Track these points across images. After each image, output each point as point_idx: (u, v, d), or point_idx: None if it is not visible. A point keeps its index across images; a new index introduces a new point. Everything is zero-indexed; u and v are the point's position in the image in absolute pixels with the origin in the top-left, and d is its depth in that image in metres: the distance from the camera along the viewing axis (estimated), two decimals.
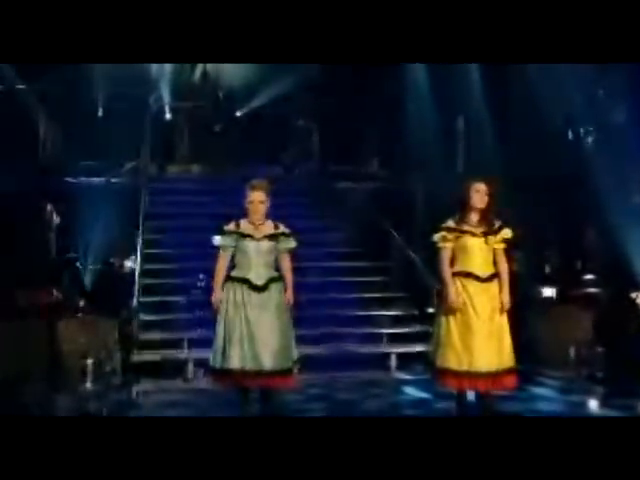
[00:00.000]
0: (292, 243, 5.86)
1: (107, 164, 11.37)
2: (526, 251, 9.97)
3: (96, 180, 11.06)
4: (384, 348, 8.62)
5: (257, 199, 5.74)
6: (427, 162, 11.54)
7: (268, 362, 5.59)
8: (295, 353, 5.83)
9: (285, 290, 5.82)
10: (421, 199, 11.28)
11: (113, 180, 11.18)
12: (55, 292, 9.47)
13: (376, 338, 8.79)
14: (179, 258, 9.58)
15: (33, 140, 11.62)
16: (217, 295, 5.73)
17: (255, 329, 5.59)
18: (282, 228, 5.85)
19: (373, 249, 10.20)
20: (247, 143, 12.68)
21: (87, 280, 10.07)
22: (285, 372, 5.68)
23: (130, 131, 11.08)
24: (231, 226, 5.80)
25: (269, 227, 5.81)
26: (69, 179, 11.09)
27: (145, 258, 9.54)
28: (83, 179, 11.05)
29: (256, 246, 5.72)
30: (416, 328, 8.82)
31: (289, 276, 5.86)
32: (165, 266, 9.63)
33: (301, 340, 8.07)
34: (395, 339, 8.76)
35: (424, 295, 8.97)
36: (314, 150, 13.04)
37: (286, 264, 5.87)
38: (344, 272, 9.80)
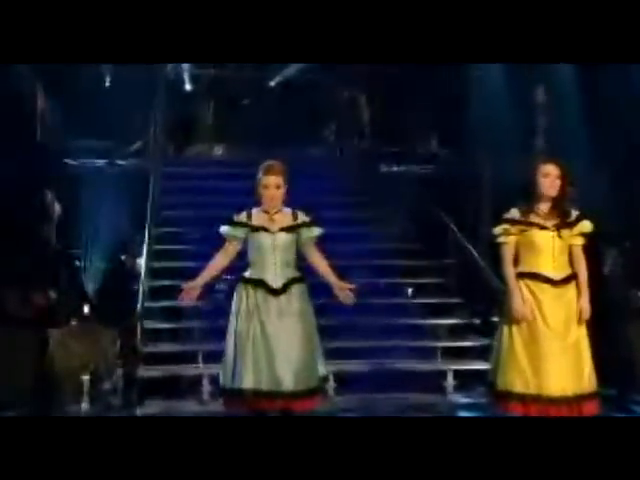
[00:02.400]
0: (316, 230, 5.80)
1: (112, 143, 11.46)
2: (613, 247, 9.72)
3: (99, 162, 11.17)
4: (438, 365, 8.62)
5: (273, 183, 5.70)
6: (497, 140, 11.30)
7: (289, 382, 5.51)
8: (323, 369, 5.76)
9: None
10: (489, 186, 11.09)
11: (119, 162, 11.27)
12: (49, 294, 9.48)
13: (428, 352, 8.80)
14: (195, 256, 9.44)
15: (26, 114, 11.64)
16: (190, 286, 5.70)
17: (273, 342, 5.55)
18: (302, 217, 5.81)
19: (428, 245, 10.21)
20: (280, 119, 12.62)
21: (87, 280, 10.08)
22: (310, 393, 5.60)
23: (141, 104, 11.03)
24: (242, 216, 5.77)
25: (286, 217, 5.77)
26: (68, 161, 11.18)
27: (154, 255, 9.58)
28: (84, 161, 11.16)
29: (272, 241, 5.68)
30: (478, 341, 8.76)
31: (325, 268, 5.76)
32: (178, 265, 9.62)
33: (336, 354, 8.07)
34: (452, 354, 8.75)
35: (488, 301, 8.85)
36: (361, 126, 12.99)
37: (316, 255, 5.79)
38: (391, 272, 9.80)
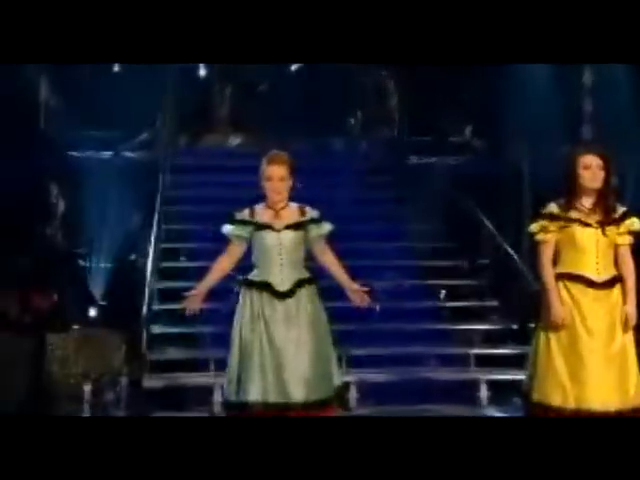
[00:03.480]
0: (326, 227, 5.76)
1: (118, 133, 11.51)
2: None
3: (105, 154, 11.26)
4: (471, 374, 8.57)
5: (276, 175, 5.65)
6: (538, 129, 11.29)
7: (299, 393, 5.49)
8: (338, 379, 5.75)
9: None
10: (528, 179, 11.15)
11: (126, 154, 11.35)
12: (51, 296, 9.52)
13: (461, 361, 8.75)
14: (209, 255, 9.45)
15: (27, 102, 11.68)
16: (192, 294, 5.75)
17: (281, 350, 5.53)
18: (310, 212, 5.77)
19: (461, 244, 10.21)
20: (302, 106, 12.59)
21: (92, 281, 10.12)
22: (323, 404, 5.58)
23: (149, 90, 11.03)
24: (245, 213, 5.75)
25: (293, 213, 5.74)
26: (72, 153, 11.25)
27: (163, 255, 9.61)
28: (89, 153, 11.22)
29: (277, 239, 5.65)
30: (515, 349, 8.65)
31: (336, 268, 5.74)
32: (188, 264, 9.65)
33: (358, 362, 7.99)
34: (486, 362, 8.67)
35: (526, 305, 8.79)
36: (388, 114, 12.98)
37: (326, 255, 5.75)
38: (421, 273, 9.78)
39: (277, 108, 12.64)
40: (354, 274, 9.05)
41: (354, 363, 8.06)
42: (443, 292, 9.78)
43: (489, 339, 9.13)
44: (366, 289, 5.71)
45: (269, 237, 5.65)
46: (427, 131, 12.44)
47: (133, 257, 10.52)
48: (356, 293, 5.71)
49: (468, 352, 8.80)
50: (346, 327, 7.78)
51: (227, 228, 5.75)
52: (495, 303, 9.49)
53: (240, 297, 5.72)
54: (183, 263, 9.92)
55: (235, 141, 12.84)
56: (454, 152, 12.12)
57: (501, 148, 12.02)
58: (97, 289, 10.06)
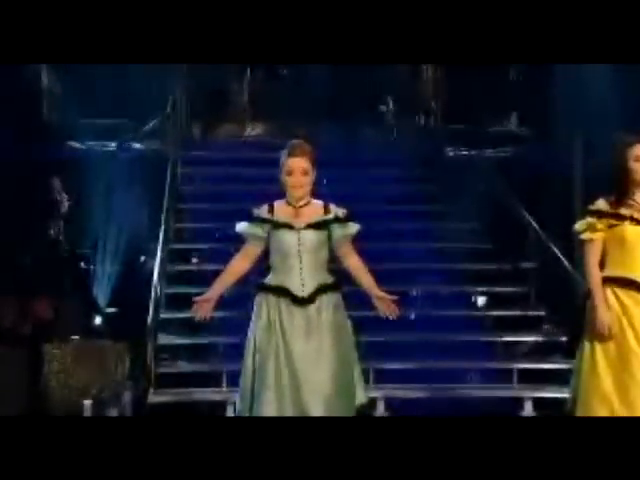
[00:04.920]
0: (352, 227, 5.73)
1: (123, 122, 11.55)
2: None
3: (107, 145, 11.28)
4: (514, 391, 8.57)
5: (299, 167, 5.64)
6: (591, 118, 11.19)
7: (318, 411, 5.48)
8: (362, 396, 5.74)
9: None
10: (580, 174, 11.02)
11: (132, 145, 11.37)
12: (51, 302, 9.57)
13: (502, 376, 8.74)
14: (222, 256, 9.47)
15: (26, 89, 11.77)
16: (203, 299, 5.75)
17: (299, 363, 5.52)
18: (335, 210, 5.74)
19: (503, 245, 10.14)
20: (328, 92, 12.64)
21: (96, 287, 10.18)
22: None
23: (158, 73, 11.07)
24: (263, 210, 5.74)
25: (315, 210, 5.73)
26: (74, 144, 11.32)
27: (172, 256, 9.67)
28: (91, 143, 11.28)
29: (296, 239, 5.64)
30: (563, 363, 8.57)
31: (362, 273, 5.73)
32: (200, 267, 9.69)
33: (387, 377, 7.96)
34: (531, 378, 8.66)
35: (577, 315, 8.74)
36: (424, 101, 12.98)
37: (352, 258, 5.73)
38: (458, 278, 9.80)
39: (301, 94, 12.68)
40: (384, 278, 9.06)
41: (383, 378, 8.07)
42: (483, 299, 9.76)
43: (535, 352, 9.11)
44: (394, 297, 5.68)
45: (288, 237, 5.64)
46: (466, 119, 12.38)
47: (142, 259, 10.54)
48: (382, 301, 5.68)
49: (511, 367, 8.77)
50: (374, 338, 7.83)
51: (242, 226, 5.74)
52: (542, 312, 9.45)
53: (255, 304, 5.73)
54: (195, 266, 9.96)
55: (253, 131, 12.86)
56: (496, 142, 12.10)
57: (550, 137, 11.97)
58: (99, 294, 10.10)
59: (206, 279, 9.42)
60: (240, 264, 5.78)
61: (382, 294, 5.70)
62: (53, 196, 11.09)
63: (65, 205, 11.01)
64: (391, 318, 5.70)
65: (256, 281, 5.93)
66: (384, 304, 5.68)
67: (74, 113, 11.45)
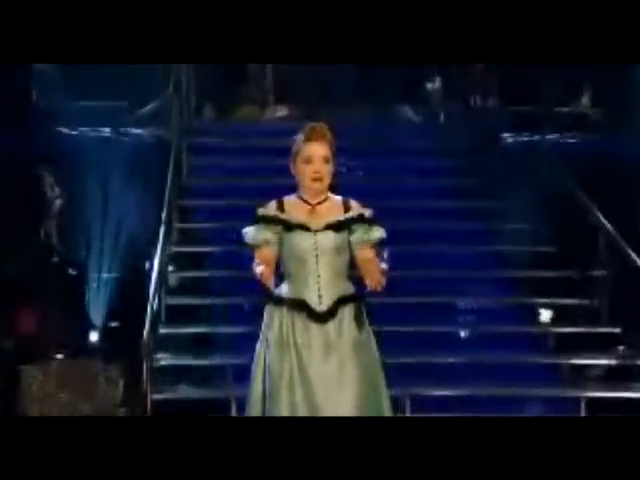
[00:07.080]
0: (376, 233, 5.69)
1: (120, 105, 11.66)
2: None
3: (101, 131, 11.37)
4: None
5: (318, 154, 5.63)
6: None
7: None
8: None
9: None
10: None
11: (130, 130, 11.43)
12: (31, 315, 9.67)
13: (569, 407, 8.78)
14: (232, 262, 9.48)
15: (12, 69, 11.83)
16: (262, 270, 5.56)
17: (316, 386, 5.56)
18: (357, 208, 5.74)
19: (570, 250, 10.17)
20: (362, 69, 12.50)
21: (90, 297, 10.28)
22: None
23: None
24: (270, 208, 5.73)
25: (335, 207, 5.73)
26: (61, 129, 11.41)
27: (174, 261, 9.77)
28: (83, 129, 11.36)
29: (313, 243, 5.64)
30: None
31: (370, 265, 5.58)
32: (207, 274, 9.81)
33: (425, 406, 7.84)
34: (603, 409, 8.59)
35: None
36: (476, 79, 12.91)
37: (371, 265, 5.57)
38: (517, 288, 9.82)
39: (333, 72, 12.66)
40: (425, 287, 8.95)
41: (420, 406, 8.03)
42: (545, 314, 9.75)
43: (607, 378, 9.11)
44: (383, 265, 5.49)
45: (303, 240, 5.65)
46: (527, 99, 12.38)
47: (143, 265, 10.53)
48: (369, 273, 5.51)
49: (578, 395, 8.76)
50: (408, 359, 7.87)
51: (247, 233, 5.66)
52: (616, 330, 9.45)
53: (265, 317, 5.73)
54: (200, 272, 9.98)
55: (274, 114, 12.86)
56: (562, 127, 12.12)
57: (629, 123, 11.94)
58: (92, 306, 10.19)
59: (213, 288, 9.47)
60: (268, 267, 5.57)
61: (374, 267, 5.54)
62: (44, 192, 11.14)
63: (57, 203, 11.06)
64: (378, 290, 5.48)
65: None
66: (369, 276, 5.51)
67: (64, 94, 11.55)
